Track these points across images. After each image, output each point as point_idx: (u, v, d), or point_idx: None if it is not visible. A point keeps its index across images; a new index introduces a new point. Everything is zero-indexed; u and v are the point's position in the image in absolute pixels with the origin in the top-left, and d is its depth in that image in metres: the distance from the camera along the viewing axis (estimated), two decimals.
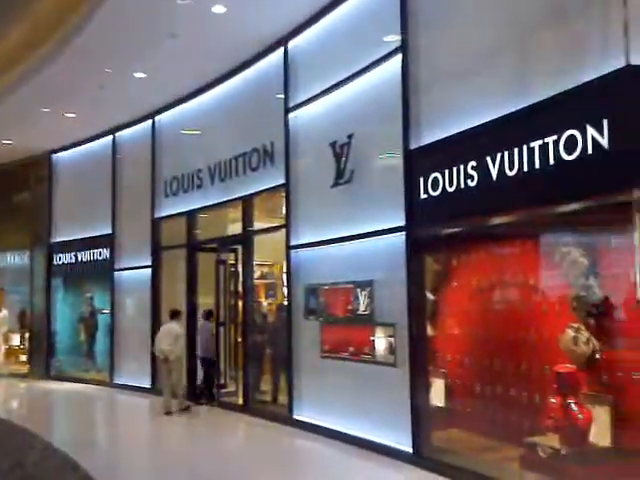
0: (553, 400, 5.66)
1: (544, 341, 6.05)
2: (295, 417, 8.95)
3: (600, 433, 5.36)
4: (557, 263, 5.88)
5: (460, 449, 6.72)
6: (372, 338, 7.60)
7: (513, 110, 5.74)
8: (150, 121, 12.91)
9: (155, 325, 12.34)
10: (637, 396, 4.80)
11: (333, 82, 8.30)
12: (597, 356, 5.48)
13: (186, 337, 11.25)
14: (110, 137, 14.17)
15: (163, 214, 12.59)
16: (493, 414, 6.55)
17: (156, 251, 12.75)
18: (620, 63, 4.75)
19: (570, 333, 5.58)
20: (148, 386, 12.56)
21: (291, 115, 9.21)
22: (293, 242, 9.15)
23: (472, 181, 6.16)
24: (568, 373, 5.56)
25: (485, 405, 6.70)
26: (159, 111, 12.58)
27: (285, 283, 9.80)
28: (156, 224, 12.75)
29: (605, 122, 4.85)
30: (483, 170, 6.01)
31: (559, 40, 5.45)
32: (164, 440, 9.28)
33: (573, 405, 5.50)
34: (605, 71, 4.87)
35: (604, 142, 4.87)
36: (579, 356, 5.53)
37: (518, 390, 6.35)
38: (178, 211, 12.11)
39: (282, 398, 9.73)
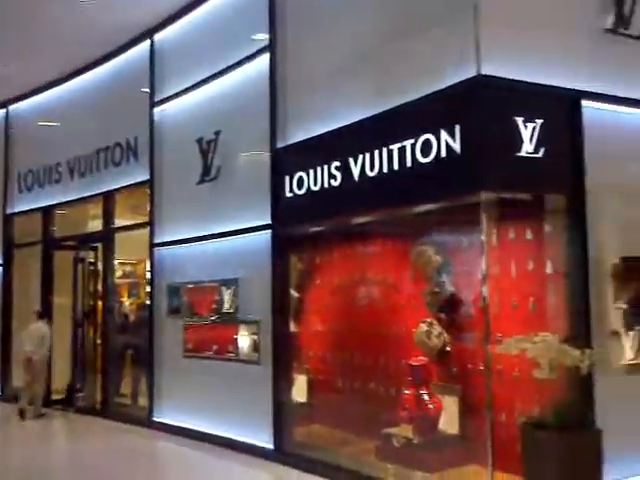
0: (407, 392, 5.91)
1: (401, 336, 6.32)
2: (155, 419, 8.74)
3: (449, 421, 5.68)
4: (413, 261, 6.17)
5: (321, 443, 6.85)
6: (236, 336, 7.57)
7: (375, 113, 5.93)
8: (3, 111, 12.11)
9: (6, 327, 11.62)
10: (481, 386, 5.11)
11: (200, 78, 8.20)
12: (447, 349, 5.81)
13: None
14: None
15: (16, 210, 11.87)
16: (353, 408, 6.74)
17: (8, 249, 11.98)
18: (472, 72, 5.04)
19: (423, 327, 5.88)
20: None
21: (157, 109, 9.00)
22: (157, 240, 8.95)
23: (335, 181, 6.30)
24: (420, 365, 5.84)
25: (346, 399, 6.88)
26: (13, 100, 11.84)
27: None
28: (8, 220, 12.00)
29: (457, 128, 5.12)
30: (345, 170, 6.17)
31: (419, 49, 5.67)
32: (14, 449, 8.69)
33: (425, 396, 5.78)
34: (458, 79, 5.16)
35: (456, 146, 5.14)
36: (431, 349, 5.84)
37: (376, 384, 6.59)
38: (33, 207, 11.46)
39: (143, 400, 9.46)
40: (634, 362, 5.43)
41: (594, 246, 5.30)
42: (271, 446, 6.92)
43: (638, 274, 5.56)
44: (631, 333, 5.43)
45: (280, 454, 6.84)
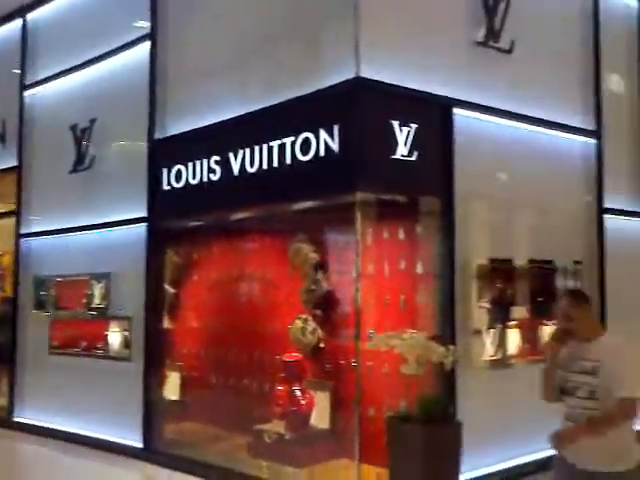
0: (280, 388, 5.95)
1: (277, 332, 6.34)
2: (16, 419, 8.26)
3: (320, 417, 5.76)
4: (291, 258, 6.21)
5: (193, 441, 6.75)
6: (106, 332, 7.31)
7: (256, 109, 5.90)
8: None
9: None
10: (352, 382, 5.21)
11: (77, 62, 7.80)
12: (321, 345, 5.90)
13: None
14: None
15: None
16: (226, 405, 6.69)
17: None
18: (351, 74, 5.12)
19: (299, 324, 5.94)
20: None
21: (27, 93, 8.51)
22: (24, 230, 8.48)
23: (215, 175, 6.22)
24: (294, 362, 5.90)
25: (219, 396, 6.82)
26: None
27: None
28: None
29: (336, 128, 5.18)
30: (225, 165, 6.10)
31: (302, 47, 5.71)
32: None
33: (297, 392, 5.84)
34: (338, 80, 5.23)
35: (335, 146, 5.20)
36: (306, 345, 5.91)
37: (251, 380, 6.57)
38: None
39: (3, 400, 8.91)
40: (494, 358, 5.77)
41: (461, 248, 5.56)
42: (140, 445, 6.73)
43: (500, 275, 5.91)
44: (492, 331, 5.77)
45: (150, 453, 6.66)
